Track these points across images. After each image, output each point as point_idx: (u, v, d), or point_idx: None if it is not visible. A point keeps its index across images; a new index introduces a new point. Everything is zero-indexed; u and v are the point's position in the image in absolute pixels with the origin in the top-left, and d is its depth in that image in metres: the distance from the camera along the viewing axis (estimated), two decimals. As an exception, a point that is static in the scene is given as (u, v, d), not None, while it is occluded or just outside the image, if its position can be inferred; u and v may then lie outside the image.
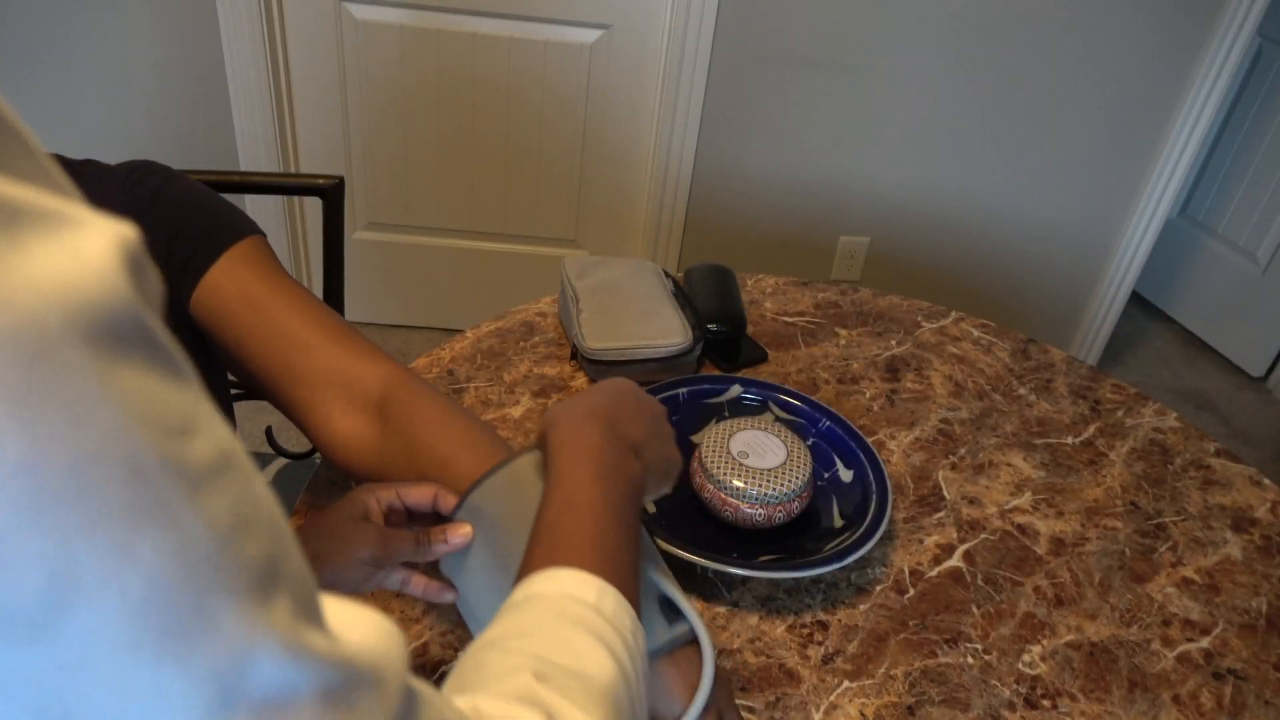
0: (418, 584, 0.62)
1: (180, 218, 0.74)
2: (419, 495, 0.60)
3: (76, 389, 0.18)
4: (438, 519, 0.61)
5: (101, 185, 0.75)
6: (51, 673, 0.18)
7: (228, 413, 0.85)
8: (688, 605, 0.59)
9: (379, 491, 0.60)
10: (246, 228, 0.76)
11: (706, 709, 0.56)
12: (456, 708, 0.31)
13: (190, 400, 0.21)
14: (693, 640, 0.59)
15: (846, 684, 0.75)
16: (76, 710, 0.19)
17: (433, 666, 0.72)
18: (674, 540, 0.79)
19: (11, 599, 0.18)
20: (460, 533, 0.57)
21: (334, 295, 1.23)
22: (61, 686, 0.18)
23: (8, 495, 0.17)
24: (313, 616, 0.23)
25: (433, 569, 0.62)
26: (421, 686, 0.28)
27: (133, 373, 0.19)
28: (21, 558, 0.17)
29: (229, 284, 0.72)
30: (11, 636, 0.18)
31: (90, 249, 0.19)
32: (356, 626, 0.26)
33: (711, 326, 1.11)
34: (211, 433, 0.21)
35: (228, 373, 0.80)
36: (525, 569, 0.47)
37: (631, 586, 0.47)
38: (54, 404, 0.18)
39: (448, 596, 0.61)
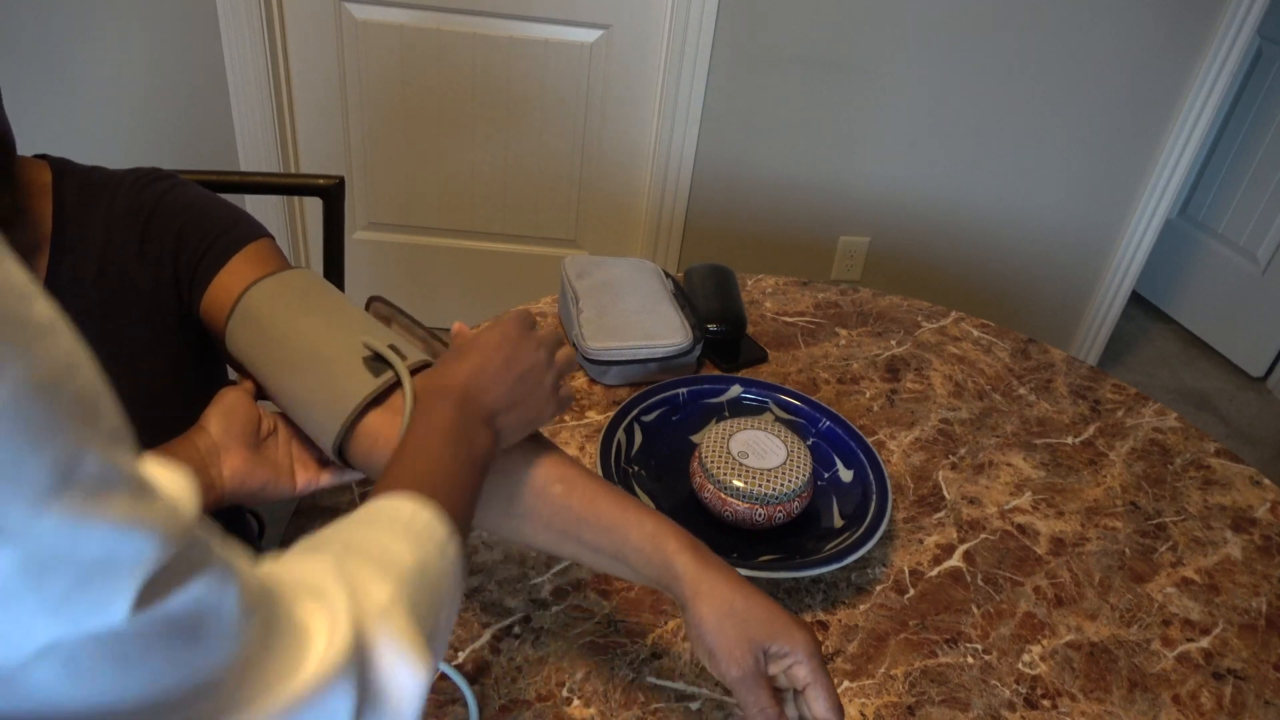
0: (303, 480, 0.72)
1: (187, 222, 0.75)
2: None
3: None
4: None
5: (108, 191, 0.75)
6: None
7: None
8: (390, 354, 0.66)
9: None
10: (255, 231, 0.77)
11: None
12: (244, 566, 0.35)
13: (28, 276, 0.27)
14: (398, 384, 0.66)
15: (847, 684, 0.75)
16: None
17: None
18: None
19: None
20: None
21: (334, 295, 1.22)
22: None
23: None
24: (123, 442, 0.29)
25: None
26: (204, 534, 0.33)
27: None
28: None
29: (239, 287, 0.72)
30: None
31: None
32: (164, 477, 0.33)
33: (711, 326, 1.11)
34: (44, 301, 0.27)
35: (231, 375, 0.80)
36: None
37: (460, 523, 0.53)
38: None
39: (329, 479, 0.73)
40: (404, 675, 0.40)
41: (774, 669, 0.59)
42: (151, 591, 0.28)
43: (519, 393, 0.64)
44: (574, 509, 0.61)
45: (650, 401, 0.98)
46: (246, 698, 0.33)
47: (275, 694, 0.33)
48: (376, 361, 0.67)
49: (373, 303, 0.82)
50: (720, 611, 0.58)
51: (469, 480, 0.57)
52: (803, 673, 0.58)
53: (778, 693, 0.60)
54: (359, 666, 0.38)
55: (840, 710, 0.58)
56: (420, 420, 0.59)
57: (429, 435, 0.58)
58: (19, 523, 0.25)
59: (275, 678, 0.34)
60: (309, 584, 0.40)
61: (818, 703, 0.58)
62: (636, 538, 0.61)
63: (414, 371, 0.66)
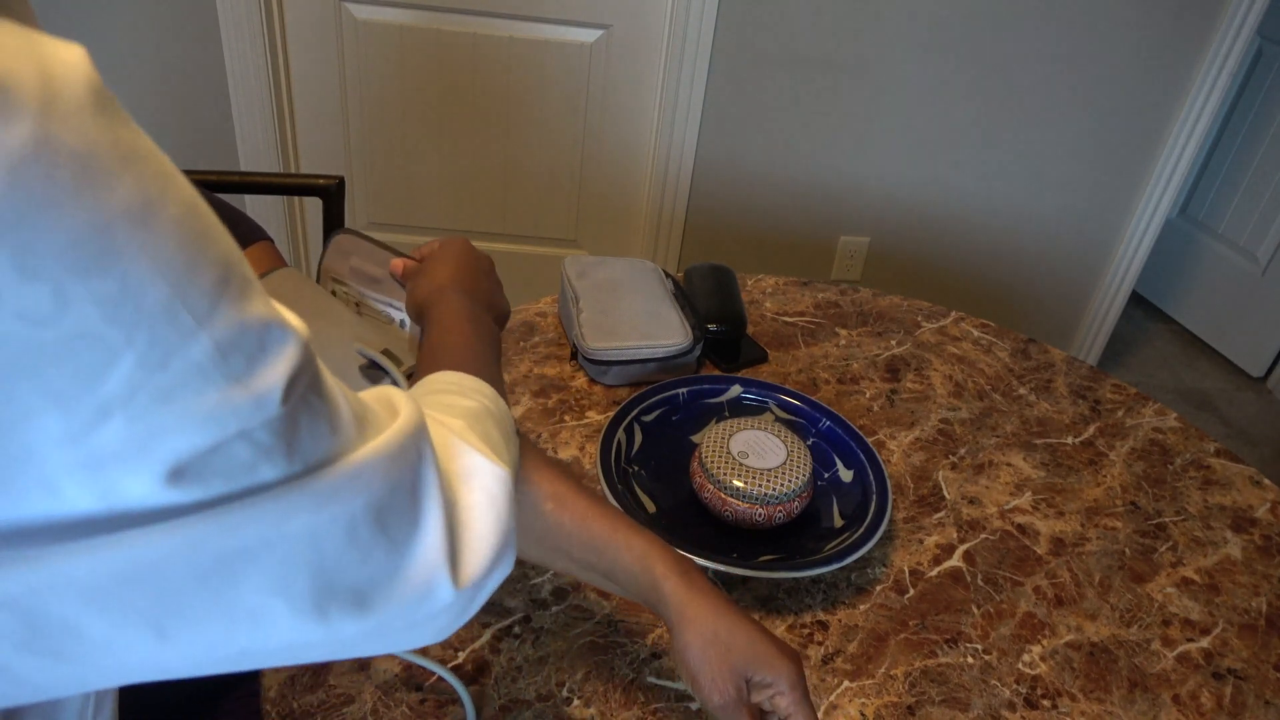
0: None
1: None
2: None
3: (132, 130, 0.27)
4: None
5: None
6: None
7: None
8: (385, 361, 0.70)
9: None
10: (254, 233, 0.77)
11: None
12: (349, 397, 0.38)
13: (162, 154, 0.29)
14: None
15: (846, 684, 0.75)
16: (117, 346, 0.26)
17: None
18: (674, 540, 0.79)
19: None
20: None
21: (334, 295, 1.23)
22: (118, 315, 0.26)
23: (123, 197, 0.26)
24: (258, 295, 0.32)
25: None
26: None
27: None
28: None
29: None
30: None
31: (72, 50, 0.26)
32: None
33: (711, 326, 1.11)
34: (181, 179, 0.29)
35: None
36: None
37: (494, 384, 0.58)
38: (126, 133, 0.27)
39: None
40: (485, 469, 0.44)
41: (756, 697, 0.59)
42: (294, 383, 0.31)
43: (488, 289, 0.71)
44: (565, 526, 0.61)
45: (650, 401, 0.98)
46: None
47: (372, 444, 0.36)
48: (373, 369, 0.67)
49: (337, 235, 0.84)
50: (704, 639, 0.58)
51: (492, 358, 0.62)
52: (784, 703, 0.58)
53: (764, 716, 0.60)
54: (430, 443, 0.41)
55: None
56: (436, 313, 0.65)
57: (450, 322, 0.63)
58: (205, 312, 0.28)
59: (374, 434, 0.36)
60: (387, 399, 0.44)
61: None
62: (626, 559, 0.60)
63: (410, 375, 0.66)
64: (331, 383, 0.34)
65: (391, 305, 0.82)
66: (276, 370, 0.30)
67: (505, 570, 0.44)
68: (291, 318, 0.32)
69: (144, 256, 0.26)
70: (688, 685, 0.59)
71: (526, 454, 0.63)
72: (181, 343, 0.27)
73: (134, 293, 0.26)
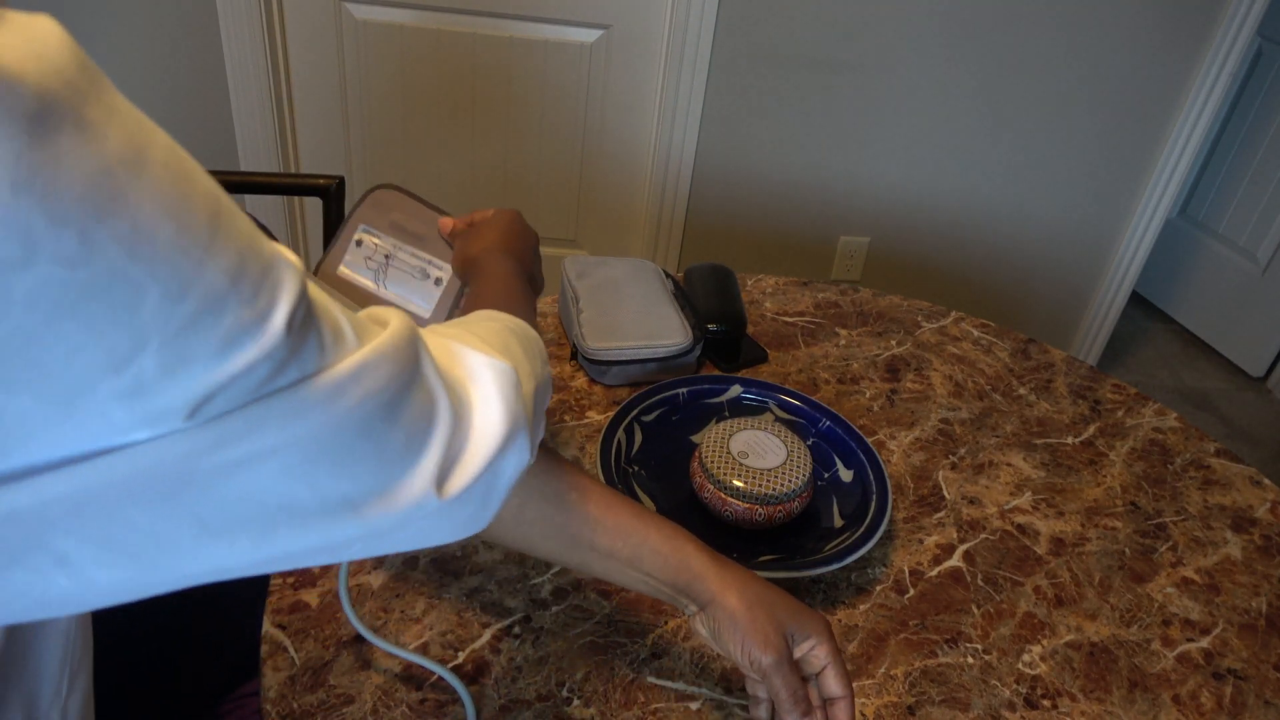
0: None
1: None
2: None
3: (107, 85, 0.29)
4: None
5: None
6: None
7: None
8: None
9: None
10: None
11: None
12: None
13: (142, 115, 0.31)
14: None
15: (846, 684, 0.75)
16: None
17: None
18: (674, 540, 0.79)
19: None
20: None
21: (334, 295, 1.23)
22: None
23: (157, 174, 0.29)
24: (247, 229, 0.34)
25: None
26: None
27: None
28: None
29: None
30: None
31: (47, 30, 0.28)
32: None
33: (711, 326, 1.11)
34: (155, 126, 0.31)
35: None
36: None
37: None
38: (116, 110, 0.29)
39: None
40: (483, 363, 0.46)
41: (798, 652, 0.62)
42: (299, 301, 0.33)
43: (530, 260, 0.76)
44: (590, 515, 0.63)
45: (650, 401, 0.98)
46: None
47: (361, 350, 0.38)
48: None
49: (377, 188, 0.85)
50: (749, 600, 0.61)
51: (530, 313, 0.66)
52: (823, 653, 0.62)
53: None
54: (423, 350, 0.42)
55: (852, 688, 0.63)
56: (485, 269, 0.71)
57: (497, 276, 0.69)
58: (207, 243, 0.30)
59: (369, 342, 0.38)
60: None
61: (834, 681, 0.62)
62: (655, 539, 0.63)
63: None
64: (324, 299, 0.37)
65: (428, 263, 0.83)
66: (282, 291, 0.33)
67: (519, 456, 0.46)
68: (278, 245, 0.35)
69: (145, 198, 0.29)
70: (735, 651, 0.61)
71: (544, 453, 0.64)
72: (195, 273, 0.30)
73: (146, 231, 0.28)
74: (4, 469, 0.28)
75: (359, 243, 0.83)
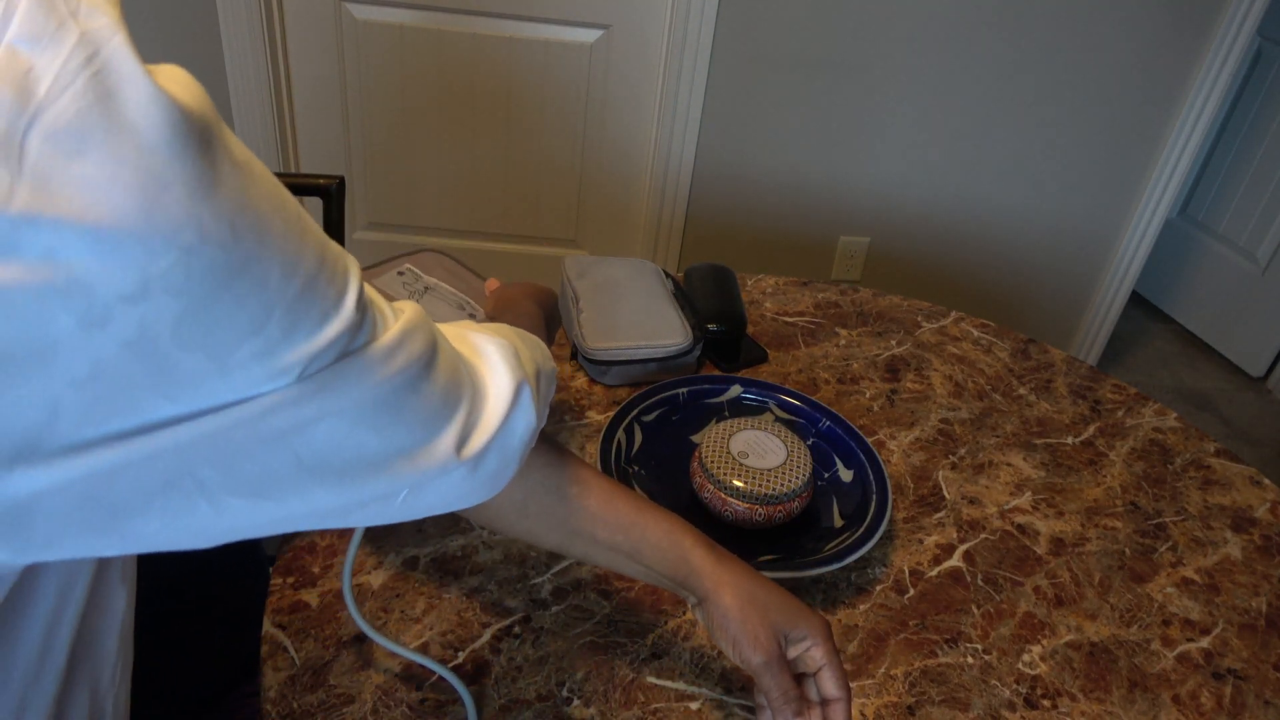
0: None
1: None
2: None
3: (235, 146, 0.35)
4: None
5: None
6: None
7: None
8: None
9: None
10: None
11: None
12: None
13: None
14: None
15: (846, 684, 0.75)
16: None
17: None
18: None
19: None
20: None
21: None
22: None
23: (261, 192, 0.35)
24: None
25: None
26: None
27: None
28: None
29: None
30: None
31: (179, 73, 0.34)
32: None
33: (711, 326, 1.11)
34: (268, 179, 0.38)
35: None
36: None
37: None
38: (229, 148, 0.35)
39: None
40: (487, 341, 0.52)
41: (793, 652, 0.62)
42: (362, 287, 0.40)
43: (551, 310, 0.83)
44: (591, 508, 0.63)
45: (650, 401, 0.98)
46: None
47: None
48: None
49: (424, 250, 0.90)
50: (742, 599, 0.61)
51: (548, 340, 0.76)
52: (819, 654, 0.62)
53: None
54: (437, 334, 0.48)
55: (849, 690, 0.62)
56: (513, 307, 0.77)
57: (522, 311, 0.75)
58: (308, 244, 0.37)
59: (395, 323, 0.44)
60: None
61: (831, 683, 0.62)
62: (655, 533, 0.64)
63: None
64: (367, 285, 0.44)
65: (466, 301, 0.87)
66: (350, 275, 0.40)
67: (527, 417, 0.51)
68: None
69: (260, 196, 0.35)
70: (728, 648, 0.62)
71: (548, 446, 0.65)
72: (298, 257, 0.36)
73: (266, 222, 0.35)
74: (172, 413, 0.34)
75: (401, 273, 0.87)
